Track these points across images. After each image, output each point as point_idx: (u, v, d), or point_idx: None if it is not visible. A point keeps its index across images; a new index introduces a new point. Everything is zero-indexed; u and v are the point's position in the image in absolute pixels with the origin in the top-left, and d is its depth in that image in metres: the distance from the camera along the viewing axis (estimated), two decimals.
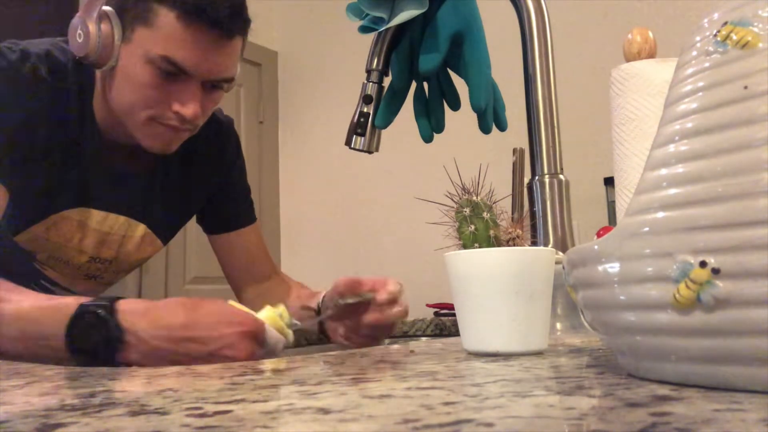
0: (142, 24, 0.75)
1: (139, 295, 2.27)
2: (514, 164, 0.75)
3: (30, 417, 0.26)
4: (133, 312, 0.60)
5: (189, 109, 0.77)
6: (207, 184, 0.99)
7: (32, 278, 0.89)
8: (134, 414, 0.26)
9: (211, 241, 1.04)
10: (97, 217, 0.87)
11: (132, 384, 0.37)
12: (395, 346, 0.57)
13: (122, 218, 0.89)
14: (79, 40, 0.75)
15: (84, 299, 0.62)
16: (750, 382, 0.25)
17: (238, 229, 1.03)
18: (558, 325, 0.68)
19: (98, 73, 0.82)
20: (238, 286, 1.05)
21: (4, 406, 0.29)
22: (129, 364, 0.58)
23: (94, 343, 0.59)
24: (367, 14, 0.73)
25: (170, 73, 0.75)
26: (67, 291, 0.93)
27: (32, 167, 0.79)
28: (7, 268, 0.77)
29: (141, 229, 0.92)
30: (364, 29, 0.74)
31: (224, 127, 1.00)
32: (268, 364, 0.46)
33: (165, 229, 0.97)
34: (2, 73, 0.77)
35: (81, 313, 0.59)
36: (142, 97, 0.77)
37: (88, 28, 0.75)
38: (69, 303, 0.61)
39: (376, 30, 0.73)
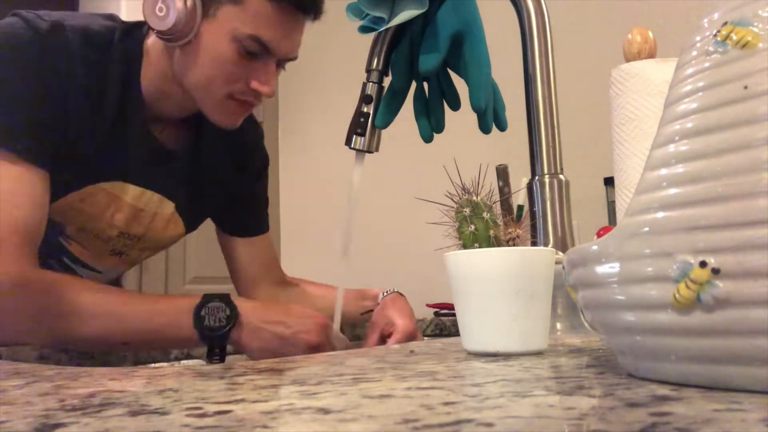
0: (230, 1, 0.77)
1: None
2: (499, 184, 0.77)
3: (30, 417, 0.26)
4: (242, 302, 0.74)
5: (267, 87, 0.80)
6: (236, 181, 1.00)
7: (55, 254, 0.89)
8: (134, 414, 0.26)
9: (224, 241, 1.06)
10: (133, 192, 0.87)
11: (132, 384, 0.36)
12: (395, 346, 0.57)
13: (157, 195, 0.90)
14: (160, 14, 0.76)
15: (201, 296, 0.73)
16: (750, 382, 0.25)
17: (256, 236, 1.05)
18: (558, 325, 0.68)
19: (155, 45, 0.82)
20: (248, 290, 1.06)
21: (4, 406, 0.29)
22: (238, 343, 0.74)
23: (220, 320, 0.72)
24: (367, 14, 0.73)
25: (253, 51, 0.78)
26: (89, 269, 0.94)
27: (70, 136, 0.78)
28: None
29: (171, 207, 0.92)
30: (364, 29, 0.74)
31: (259, 132, 1.03)
32: (268, 364, 0.46)
33: (189, 214, 0.97)
34: (30, 42, 0.76)
35: (207, 299, 0.72)
36: (222, 73, 0.79)
37: (173, 3, 0.76)
38: (190, 297, 0.74)
39: (376, 30, 0.73)
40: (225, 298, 0.73)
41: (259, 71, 0.80)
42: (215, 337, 0.72)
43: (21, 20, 0.76)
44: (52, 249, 0.88)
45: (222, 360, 0.75)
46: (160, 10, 0.76)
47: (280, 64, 0.83)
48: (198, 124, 0.92)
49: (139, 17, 0.81)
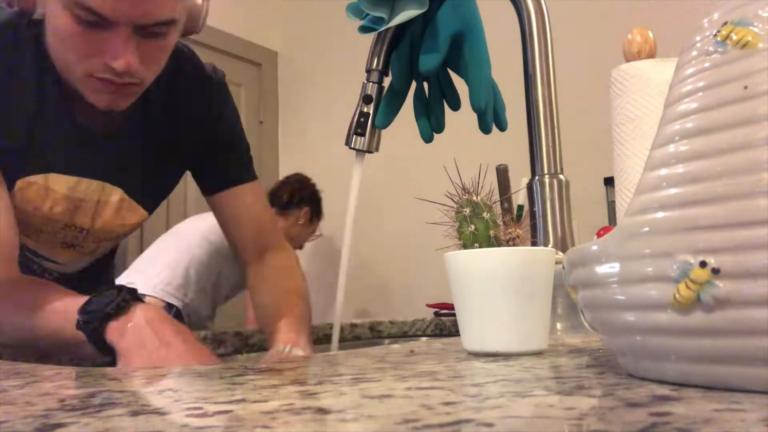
0: None
1: None
2: (499, 180, 0.76)
3: (30, 417, 0.26)
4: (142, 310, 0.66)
5: (119, 62, 0.69)
6: (192, 143, 0.90)
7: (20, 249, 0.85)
8: (134, 414, 0.26)
9: (211, 205, 0.95)
10: (68, 182, 0.81)
11: (132, 384, 0.37)
12: (395, 346, 0.57)
13: (96, 183, 0.83)
14: None
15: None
16: (750, 382, 0.25)
17: (233, 186, 0.93)
18: (558, 325, 0.68)
19: None
20: (244, 259, 0.96)
21: (4, 406, 0.29)
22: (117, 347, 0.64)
23: (106, 305, 0.64)
24: (367, 14, 0.73)
25: (91, 22, 0.67)
26: (51, 262, 0.90)
27: None
28: None
29: (117, 193, 0.85)
30: (364, 29, 0.74)
31: (212, 82, 0.91)
32: (268, 364, 0.46)
33: (146, 195, 0.89)
34: None
35: (99, 292, 0.66)
36: (72, 50, 0.71)
37: None
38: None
39: (376, 30, 0.73)
40: (132, 291, 0.67)
41: (109, 44, 0.69)
42: (92, 328, 0.64)
43: None
44: None
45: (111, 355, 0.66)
46: None
47: (156, 31, 0.71)
48: (142, 102, 0.83)
49: None
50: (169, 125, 0.87)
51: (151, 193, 0.91)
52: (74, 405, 0.29)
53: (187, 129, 0.89)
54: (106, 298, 0.65)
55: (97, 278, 1.01)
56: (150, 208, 0.91)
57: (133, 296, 0.67)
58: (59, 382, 0.37)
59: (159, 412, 0.26)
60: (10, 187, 0.78)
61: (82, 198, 0.83)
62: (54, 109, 0.78)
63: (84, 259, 0.94)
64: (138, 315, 0.65)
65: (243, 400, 0.29)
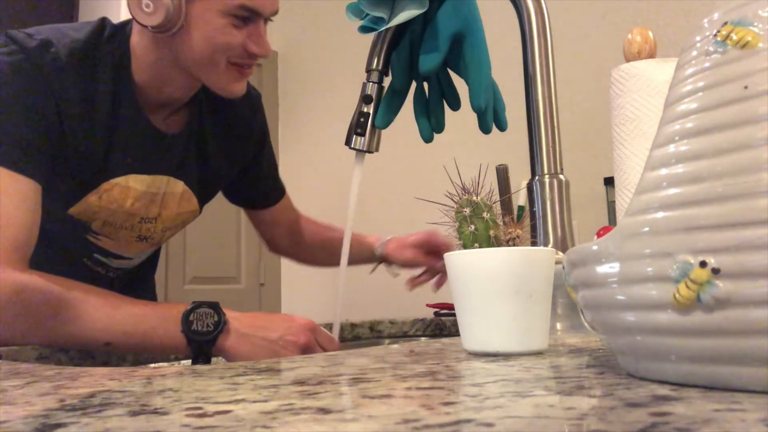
0: None
1: None
2: (499, 180, 0.77)
3: (30, 417, 0.26)
4: (229, 311, 0.76)
5: (263, 48, 0.84)
6: (241, 153, 1.04)
7: (84, 253, 0.94)
8: (134, 414, 0.26)
9: (251, 215, 1.15)
10: (145, 180, 0.90)
11: (132, 384, 0.36)
12: (395, 346, 0.57)
13: (164, 177, 0.93)
14: (147, 10, 0.78)
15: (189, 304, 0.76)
16: (750, 382, 0.25)
17: (274, 205, 1.13)
18: (558, 325, 0.68)
19: (141, 39, 0.85)
20: (278, 246, 1.19)
21: (4, 406, 0.29)
22: (224, 349, 0.75)
23: (208, 325, 0.74)
24: (367, 14, 0.73)
25: (244, 17, 0.81)
26: (121, 259, 0.98)
27: (70, 143, 0.81)
28: (62, 245, 0.91)
29: (180, 185, 0.95)
30: (364, 29, 0.74)
31: (255, 100, 1.05)
32: (268, 364, 0.46)
33: (201, 189, 1.00)
34: (20, 62, 0.78)
35: (196, 305, 0.75)
36: (220, 46, 0.82)
37: None
38: (178, 304, 0.76)
39: (376, 30, 0.73)
40: (214, 305, 0.75)
41: (252, 34, 0.83)
42: (202, 342, 0.74)
43: (10, 40, 0.79)
44: (82, 249, 0.93)
45: (208, 361, 0.76)
46: (147, 6, 0.78)
47: (266, 21, 0.87)
48: (198, 106, 0.95)
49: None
50: (220, 132, 0.99)
51: (203, 187, 1.01)
52: (74, 405, 0.29)
53: (236, 139, 1.02)
54: (206, 318, 0.75)
55: (152, 269, 1.16)
56: (201, 202, 1.02)
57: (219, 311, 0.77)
58: (59, 382, 0.37)
59: (159, 412, 0.26)
60: (94, 188, 0.86)
61: (155, 192, 0.92)
62: (130, 116, 0.86)
63: (148, 251, 1.03)
64: (234, 325, 0.76)
65: (243, 400, 0.29)
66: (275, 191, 1.14)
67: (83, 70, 0.82)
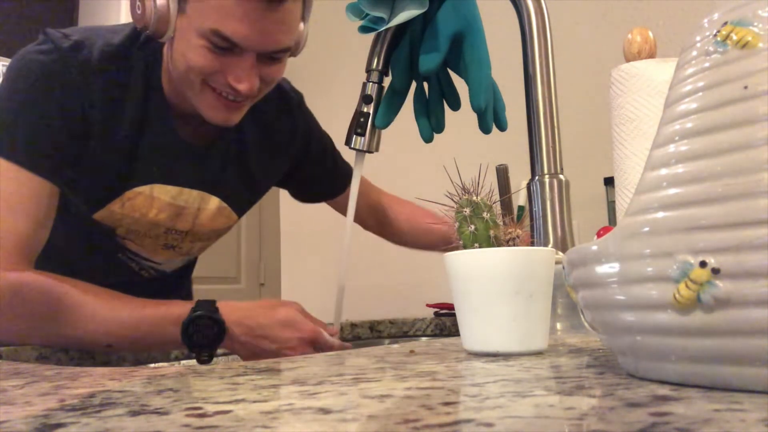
0: None
1: None
2: (499, 180, 0.77)
3: (30, 417, 0.26)
4: (228, 314, 0.76)
5: (243, 85, 0.77)
6: (284, 160, 1.02)
7: (114, 253, 0.93)
8: (134, 414, 0.26)
9: (331, 204, 1.16)
10: (171, 192, 0.88)
11: (132, 384, 0.36)
12: (395, 346, 0.57)
13: (195, 192, 0.90)
14: (138, 12, 0.77)
15: (188, 304, 0.76)
16: (750, 382, 0.25)
17: (345, 190, 1.12)
18: (558, 325, 0.68)
19: (167, 43, 0.83)
20: (373, 230, 1.21)
21: (4, 406, 0.29)
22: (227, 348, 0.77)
23: (209, 337, 0.74)
24: (367, 14, 0.73)
25: (222, 47, 0.75)
26: (150, 262, 0.96)
27: (95, 147, 0.80)
28: (92, 244, 0.91)
29: (215, 201, 0.93)
30: (364, 29, 0.74)
31: (293, 102, 1.02)
32: (268, 364, 0.46)
33: (239, 202, 0.98)
34: (53, 61, 0.77)
35: (194, 314, 0.74)
36: (194, 66, 0.77)
37: (145, 1, 0.75)
38: (178, 305, 0.76)
39: (376, 30, 0.73)
40: (212, 313, 0.74)
41: (235, 67, 0.77)
42: (201, 351, 0.75)
43: (47, 38, 0.79)
44: (112, 249, 0.92)
45: (210, 360, 0.76)
46: (138, 8, 0.77)
47: (274, 57, 0.79)
48: None
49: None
50: (260, 140, 0.96)
51: (245, 200, 1.00)
52: (74, 405, 0.29)
53: (277, 144, 0.99)
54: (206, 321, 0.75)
55: (187, 275, 1.13)
56: (241, 213, 1.00)
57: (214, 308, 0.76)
58: (59, 382, 0.37)
59: (159, 412, 0.26)
60: (118, 195, 0.84)
61: (184, 206, 0.90)
62: (157, 125, 0.85)
63: (179, 258, 1.01)
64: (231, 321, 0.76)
65: (243, 400, 0.29)
66: (338, 179, 1.12)
67: (113, 74, 0.80)
